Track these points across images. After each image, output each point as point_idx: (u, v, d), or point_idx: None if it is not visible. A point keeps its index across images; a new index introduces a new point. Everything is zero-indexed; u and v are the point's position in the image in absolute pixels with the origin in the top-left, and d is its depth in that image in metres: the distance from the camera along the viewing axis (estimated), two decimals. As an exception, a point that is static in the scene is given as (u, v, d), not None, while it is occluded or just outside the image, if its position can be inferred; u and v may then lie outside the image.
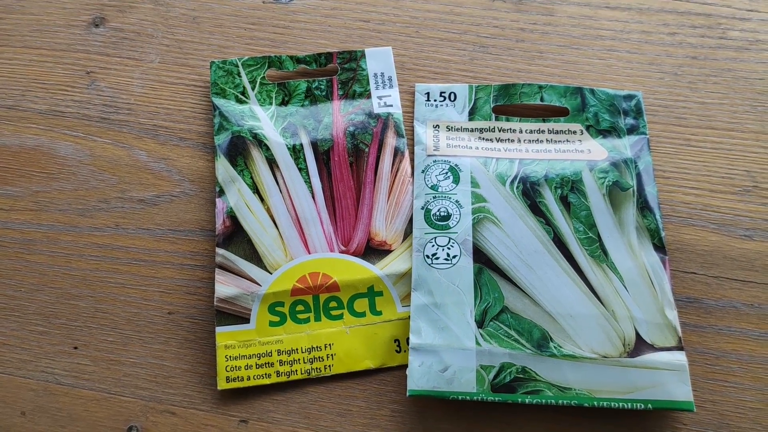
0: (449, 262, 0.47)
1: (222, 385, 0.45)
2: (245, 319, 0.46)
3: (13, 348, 0.48)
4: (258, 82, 0.54)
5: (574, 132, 0.52)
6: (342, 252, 0.48)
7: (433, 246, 0.47)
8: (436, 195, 0.49)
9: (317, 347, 0.46)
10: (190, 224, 0.51)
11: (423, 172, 0.50)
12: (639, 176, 0.49)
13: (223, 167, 0.50)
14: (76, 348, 0.48)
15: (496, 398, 0.43)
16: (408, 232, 0.49)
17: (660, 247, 0.47)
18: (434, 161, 0.51)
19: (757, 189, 0.51)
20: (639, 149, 0.51)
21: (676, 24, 0.57)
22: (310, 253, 0.48)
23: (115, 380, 0.47)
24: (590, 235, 0.47)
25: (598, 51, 0.56)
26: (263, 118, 0.52)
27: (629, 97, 0.53)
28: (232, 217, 0.49)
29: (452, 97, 0.53)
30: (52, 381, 0.47)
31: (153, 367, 0.47)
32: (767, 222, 0.50)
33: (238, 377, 0.45)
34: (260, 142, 0.51)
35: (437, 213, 0.48)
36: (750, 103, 0.54)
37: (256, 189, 0.50)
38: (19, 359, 0.48)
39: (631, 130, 0.51)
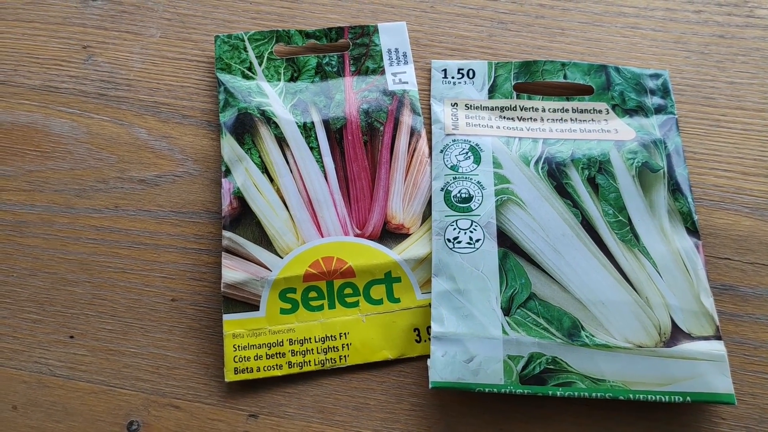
0: (472, 246, 0.44)
1: (230, 376, 0.42)
2: (254, 307, 0.44)
3: (5, 337, 0.45)
4: (265, 58, 0.51)
5: (600, 111, 0.49)
6: (357, 236, 0.45)
7: (454, 229, 0.45)
8: (457, 176, 0.46)
9: (332, 336, 0.43)
10: (194, 206, 0.48)
11: (441, 152, 0.47)
12: (669, 157, 0.47)
13: (229, 146, 0.47)
14: (72, 337, 0.45)
15: (525, 391, 0.40)
16: (427, 215, 0.46)
17: (693, 231, 0.44)
18: (453, 141, 0.48)
19: (792, 172, 0.48)
20: (668, 129, 0.48)
21: (701, 1, 0.55)
22: (323, 237, 0.45)
23: (114, 372, 0.44)
24: (620, 218, 0.45)
25: (622, 28, 0.54)
26: (271, 95, 0.49)
27: (656, 76, 0.50)
28: (239, 197, 0.46)
29: (471, 75, 0.51)
30: (46, 372, 0.44)
31: (155, 357, 0.44)
32: (803, 206, 0.47)
33: (246, 368, 0.42)
34: (269, 120, 0.48)
35: (458, 195, 0.46)
36: (781, 83, 0.51)
37: (264, 168, 0.47)
38: (11, 349, 0.44)
39: (659, 110, 0.49)
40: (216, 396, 0.43)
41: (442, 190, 0.46)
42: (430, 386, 0.40)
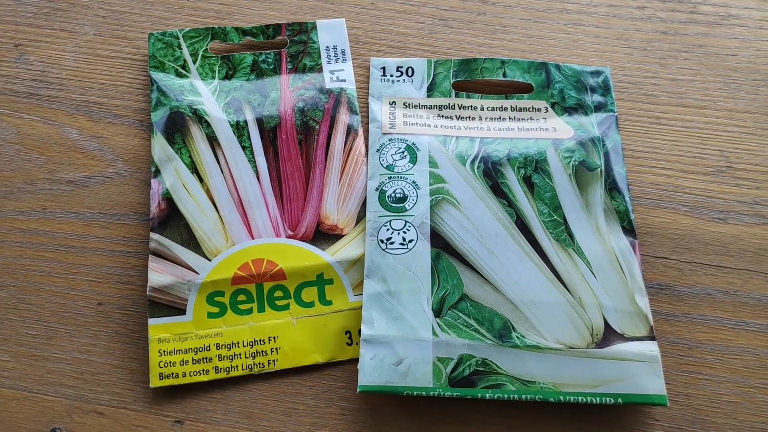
0: (405, 246, 0.43)
1: (155, 382, 0.41)
2: (181, 311, 0.42)
3: (-74, 344, 0.44)
4: (200, 55, 0.49)
5: (539, 109, 0.48)
6: (289, 237, 0.45)
7: (387, 230, 0.44)
8: (392, 175, 0.46)
9: (260, 340, 0.42)
10: (123, 207, 0.47)
11: (378, 151, 0.47)
12: (607, 156, 0.46)
13: (159, 145, 0.46)
14: (-5, 343, 0.44)
15: (454, 393, 0.39)
16: (361, 216, 0.45)
17: (629, 230, 0.44)
18: (390, 140, 0.47)
19: (730, 169, 0.48)
20: (607, 127, 0.47)
21: (645, -2, 0.54)
22: (253, 238, 0.44)
23: (37, 378, 0.43)
24: (555, 217, 0.44)
25: (564, 25, 0.53)
26: (204, 93, 0.48)
27: (596, 73, 0.50)
28: (167, 199, 0.45)
29: (410, 72, 0.50)
30: (-33, 379, 0.43)
31: (79, 363, 0.43)
32: (741, 204, 0.47)
33: (172, 374, 0.41)
34: (200, 119, 0.47)
35: (393, 195, 0.45)
36: (722, 80, 0.51)
37: (194, 169, 0.46)
38: (-68, 356, 0.43)
39: (599, 108, 0.48)
40: (141, 402, 0.42)
41: (377, 190, 0.45)
42: (358, 390, 0.39)
